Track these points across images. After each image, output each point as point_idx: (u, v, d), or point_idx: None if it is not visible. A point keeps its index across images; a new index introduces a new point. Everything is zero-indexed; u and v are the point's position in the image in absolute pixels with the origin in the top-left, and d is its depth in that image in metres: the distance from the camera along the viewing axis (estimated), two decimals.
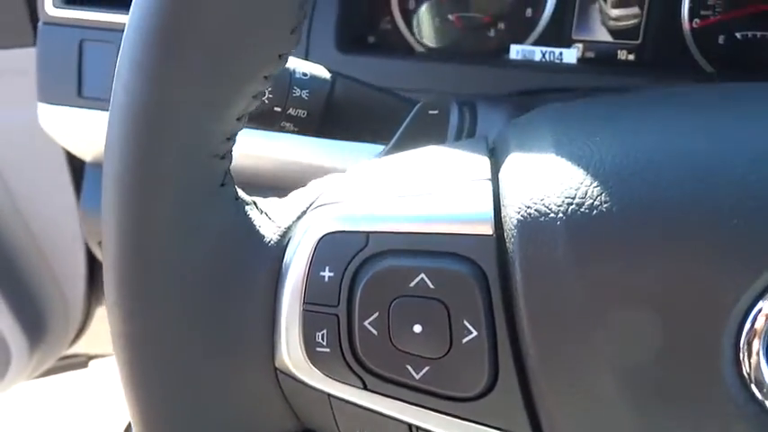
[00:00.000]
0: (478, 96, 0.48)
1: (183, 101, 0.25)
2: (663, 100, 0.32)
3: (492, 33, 0.76)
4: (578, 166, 0.26)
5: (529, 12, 0.77)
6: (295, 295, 0.27)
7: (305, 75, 0.41)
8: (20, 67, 0.71)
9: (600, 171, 0.26)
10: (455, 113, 0.46)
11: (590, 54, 0.78)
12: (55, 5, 0.63)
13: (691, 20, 0.76)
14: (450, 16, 0.75)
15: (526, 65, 0.65)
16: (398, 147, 0.38)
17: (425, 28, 0.74)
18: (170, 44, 0.25)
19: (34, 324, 0.94)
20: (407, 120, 0.39)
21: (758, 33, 0.75)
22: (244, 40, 0.25)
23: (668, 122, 0.29)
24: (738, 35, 0.75)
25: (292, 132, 0.42)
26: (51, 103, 0.65)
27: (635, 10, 0.77)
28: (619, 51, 0.78)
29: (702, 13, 0.76)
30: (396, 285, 0.26)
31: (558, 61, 0.68)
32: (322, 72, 0.42)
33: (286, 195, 0.31)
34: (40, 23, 0.64)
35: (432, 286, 0.26)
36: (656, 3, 0.76)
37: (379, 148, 0.45)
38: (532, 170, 0.27)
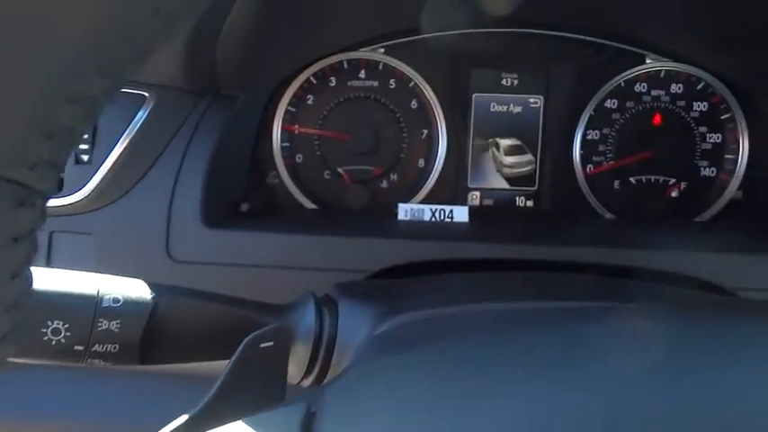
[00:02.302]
0: (342, 290, 0.43)
1: None
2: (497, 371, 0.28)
3: (384, 185, 0.72)
4: None
5: (421, 162, 0.74)
6: None
7: (116, 301, 0.34)
8: None
9: None
10: (312, 315, 0.41)
11: (488, 201, 0.75)
12: None
13: (584, 167, 0.74)
14: (339, 170, 0.71)
15: (414, 230, 0.61)
16: (221, 396, 0.32)
17: (312, 182, 0.71)
18: None
19: None
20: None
21: (651, 177, 0.74)
22: None
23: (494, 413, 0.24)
24: (633, 180, 0.74)
25: (103, 367, 0.35)
26: None
27: (528, 157, 0.76)
28: (517, 198, 0.76)
29: (595, 159, 0.74)
30: None
31: (449, 220, 0.64)
32: (142, 292, 0.36)
33: None
34: None
35: None
36: (549, 151, 0.74)
37: (216, 364, 0.38)
38: None
